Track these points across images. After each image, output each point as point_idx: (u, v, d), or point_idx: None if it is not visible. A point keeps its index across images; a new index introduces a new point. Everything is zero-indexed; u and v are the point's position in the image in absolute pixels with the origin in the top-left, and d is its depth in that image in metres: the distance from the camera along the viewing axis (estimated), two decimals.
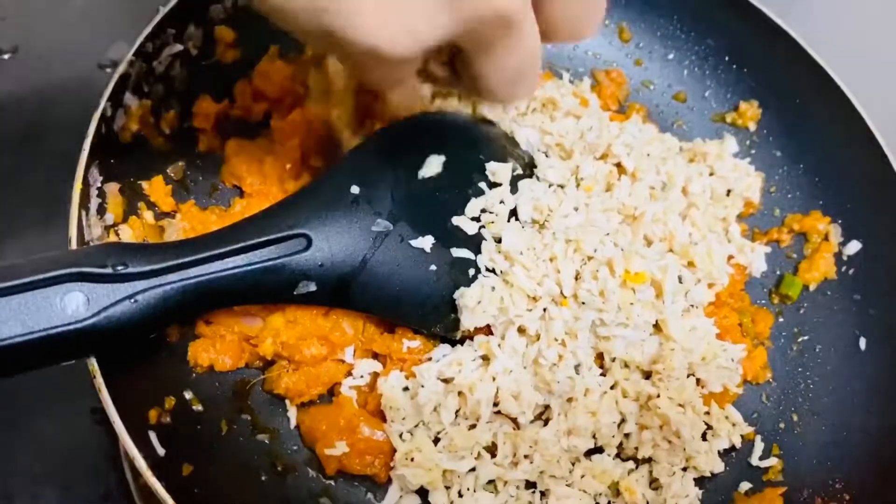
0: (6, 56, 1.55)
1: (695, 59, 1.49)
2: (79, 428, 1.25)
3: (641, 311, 1.11)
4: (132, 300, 0.90)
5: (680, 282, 1.16)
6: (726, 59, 1.46)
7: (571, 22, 0.91)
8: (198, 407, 1.07)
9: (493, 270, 1.11)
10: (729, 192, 1.35)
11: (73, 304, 0.88)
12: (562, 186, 1.18)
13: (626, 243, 1.14)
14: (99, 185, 1.07)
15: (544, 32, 0.89)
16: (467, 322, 1.08)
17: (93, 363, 0.91)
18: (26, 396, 1.22)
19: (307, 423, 1.10)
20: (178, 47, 1.21)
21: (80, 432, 1.25)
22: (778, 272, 1.36)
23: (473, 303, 1.07)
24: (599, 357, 1.15)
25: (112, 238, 1.08)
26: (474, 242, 1.12)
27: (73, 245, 0.99)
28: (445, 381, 1.08)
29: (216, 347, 1.09)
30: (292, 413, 1.12)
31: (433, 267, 1.08)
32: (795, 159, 1.41)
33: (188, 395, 1.07)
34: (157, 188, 1.16)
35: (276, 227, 0.99)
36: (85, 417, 1.25)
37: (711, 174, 1.35)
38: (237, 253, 0.96)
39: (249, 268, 0.96)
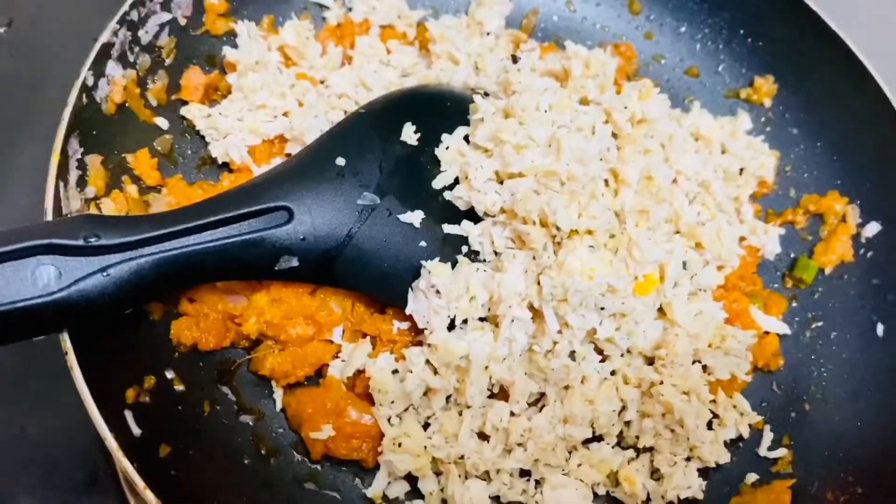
0: (1, 30, 1.51)
1: (708, 32, 1.42)
2: (64, 409, 1.21)
3: (644, 298, 1.05)
4: (104, 273, 0.86)
5: (684, 268, 1.10)
6: (741, 31, 1.40)
7: None
8: (179, 387, 1.04)
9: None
10: (742, 170, 1.29)
11: (44, 277, 0.85)
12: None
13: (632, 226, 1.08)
14: (79, 156, 1.03)
15: None
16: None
17: (65, 339, 0.88)
18: (6, 375, 1.19)
19: (293, 406, 1.07)
20: (166, 16, 1.17)
21: (66, 413, 1.21)
22: (792, 255, 1.30)
23: (463, 288, 1.02)
24: None
25: (93, 211, 1.05)
26: (468, 218, 1.07)
27: (49, 217, 0.96)
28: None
29: (199, 326, 1.05)
30: (278, 395, 1.09)
31: (423, 243, 1.04)
32: (813, 137, 1.34)
33: (169, 374, 1.03)
34: (142, 161, 1.12)
35: (256, 199, 0.95)
36: (70, 398, 1.22)
37: (724, 152, 1.29)
38: (214, 226, 0.92)
39: (227, 241, 0.92)
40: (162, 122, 1.17)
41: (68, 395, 1.22)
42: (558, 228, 1.00)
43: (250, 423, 1.07)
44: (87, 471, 1.19)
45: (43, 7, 1.56)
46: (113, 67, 1.09)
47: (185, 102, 1.21)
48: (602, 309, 1.02)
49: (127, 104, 1.12)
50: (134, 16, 1.12)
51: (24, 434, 1.19)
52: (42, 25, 1.54)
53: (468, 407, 1.03)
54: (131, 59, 1.12)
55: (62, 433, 1.21)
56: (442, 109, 1.14)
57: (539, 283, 1.00)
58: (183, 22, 1.20)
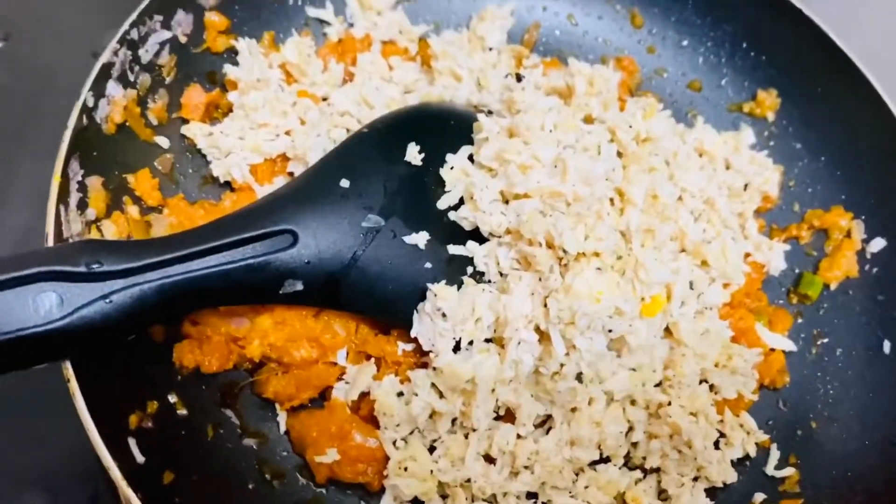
0: None
1: (711, 46, 1.42)
2: (66, 429, 1.20)
3: (651, 319, 1.04)
4: (107, 300, 0.85)
5: (691, 287, 1.10)
6: (744, 45, 1.39)
7: None
8: (182, 411, 1.02)
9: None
10: (746, 186, 1.28)
11: (45, 305, 0.83)
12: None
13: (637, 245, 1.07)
14: (80, 178, 1.02)
15: None
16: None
17: (67, 367, 0.87)
18: (9, 397, 1.17)
19: (297, 429, 1.06)
20: (166, 34, 1.16)
21: (68, 434, 1.20)
22: (797, 271, 1.29)
23: (469, 310, 1.01)
24: None
25: (94, 234, 1.04)
26: (473, 239, 1.06)
27: (50, 242, 0.95)
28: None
29: (202, 349, 1.04)
30: (282, 418, 1.08)
31: (428, 265, 1.03)
32: (816, 151, 1.34)
33: (172, 398, 1.02)
34: (143, 181, 1.11)
35: (260, 223, 0.94)
36: (72, 418, 1.20)
37: (728, 167, 1.29)
38: (218, 250, 0.91)
39: (231, 266, 0.91)
40: (163, 142, 1.16)
41: (70, 417, 1.21)
42: (565, 251, 0.99)
43: (254, 447, 1.06)
44: (89, 493, 1.18)
45: (41, 20, 1.54)
46: (113, 87, 1.08)
47: (185, 121, 1.20)
48: (609, 331, 1.01)
49: (127, 124, 1.11)
50: (134, 35, 1.11)
51: (25, 456, 1.18)
52: (40, 39, 1.52)
53: (474, 430, 1.02)
54: (132, 78, 1.11)
55: (64, 455, 1.19)
56: (446, 128, 1.14)
57: (546, 306, 1.00)
58: (183, 40, 1.19)
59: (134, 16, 1.10)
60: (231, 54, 1.24)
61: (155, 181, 1.12)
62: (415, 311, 1.03)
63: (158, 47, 1.15)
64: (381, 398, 1.02)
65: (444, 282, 1.02)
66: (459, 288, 1.03)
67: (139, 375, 1.00)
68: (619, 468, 1.07)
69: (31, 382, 1.17)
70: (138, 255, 0.88)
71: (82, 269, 0.84)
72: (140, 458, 0.92)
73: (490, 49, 1.35)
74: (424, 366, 1.05)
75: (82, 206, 1.02)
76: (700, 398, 1.06)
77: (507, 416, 1.05)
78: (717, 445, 1.10)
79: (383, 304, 1.03)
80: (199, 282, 0.90)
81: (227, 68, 1.22)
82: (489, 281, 1.05)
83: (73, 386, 0.87)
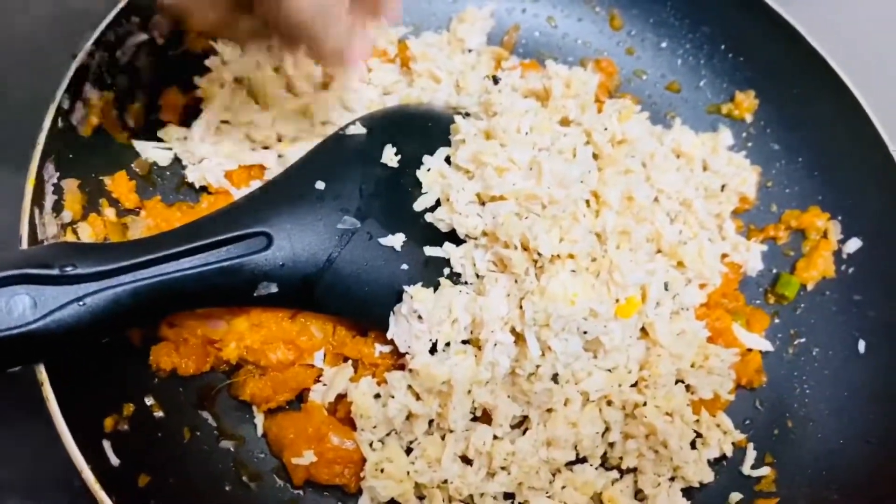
0: None
1: (689, 48, 1.43)
2: (43, 434, 1.19)
3: (626, 320, 1.05)
4: (80, 303, 0.85)
5: (666, 289, 1.10)
6: (722, 47, 1.40)
7: None
8: (159, 413, 1.02)
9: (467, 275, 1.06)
10: (723, 187, 1.29)
11: (18, 308, 0.83)
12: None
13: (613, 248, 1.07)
14: (55, 181, 1.02)
15: None
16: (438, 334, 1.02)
17: (41, 370, 0.87)
18: None
19: (274, 431, 1.05)
20: (144, 36, 1.16)
21: (45, 438, 1.19)
22: (774, 271, 1.30)
23: (445, 312, 1.01)
24: None
25: (70, 237, 1.03)
26: (449, 241, 1.06)
27: (24, 244, 0.94)
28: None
29: (179, 351, 1.04)
30: (259, 420, 1.07)
31: (405, 266, 1.03)
32: (794, 152, 1.35)
33: (149, 400, 1.02)
34: (120, 184, 1.11)
35: (234, 225, 0.94)
36: (50, 423, 1.20)
37: (705, 169, 1.29)
38: (192, 253, 0.91)
39: (205, 268, 0.91)
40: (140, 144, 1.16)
41: (46, 420, 1.20)
42: (540, 253, 1.00)
43: (231, 449, 1.06)
44: (68, 497, 1.17)
45: (15, 20, 1.54)
46: (89, 90, 1.08)
47: (163, 123, 1.19)
48: (584, 333, 1.01)
49: (104, 126, 1.11)
50: (111, 37, 1.10)
51: (3, 461, 1.17)
52: (14, 39, 1.52)
53: (451, 431, 1.02)
54: (108, 80, 1.11)
55: (41, 459, 1.19)
56: (423, 130, 1.14)
57: (521, 308, 1.00)
58: (161, 42, 1.18)
59: (111, 17, 1.10)
60: (210, 56, 1.24)
61: (132, 183, 1.12)
62: (391, 313, 1.03)
63: (136, 49, 1.15)
64: (358, 400, 1.02)
65: (420, 283, 1.02)
66: (436, 290, 1.03)
67: (115, 378, 1.00)
68: (596, 468, 1.08)
69: (5, 385, 1.17)
70: (112, 257, 0.88)
71: (56, 271, 0.84)
72: (115, 461, 0.92)
73: (469, 51, 1.36)
74: (401, 367, 1.05)
75: (58, 208, 1.02)
76: (676, 398, 1.06)
77: (484, 417, 1.05)
78: (693, 445, 1.11)
79: (359, 306, 1.03)
80: (174, 284, 0.90)
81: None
82: (466, 283, 1.06)
83: (47, 389, 0.87)
